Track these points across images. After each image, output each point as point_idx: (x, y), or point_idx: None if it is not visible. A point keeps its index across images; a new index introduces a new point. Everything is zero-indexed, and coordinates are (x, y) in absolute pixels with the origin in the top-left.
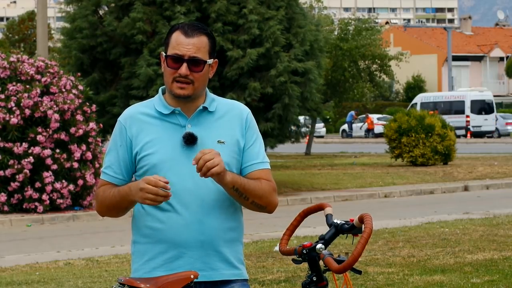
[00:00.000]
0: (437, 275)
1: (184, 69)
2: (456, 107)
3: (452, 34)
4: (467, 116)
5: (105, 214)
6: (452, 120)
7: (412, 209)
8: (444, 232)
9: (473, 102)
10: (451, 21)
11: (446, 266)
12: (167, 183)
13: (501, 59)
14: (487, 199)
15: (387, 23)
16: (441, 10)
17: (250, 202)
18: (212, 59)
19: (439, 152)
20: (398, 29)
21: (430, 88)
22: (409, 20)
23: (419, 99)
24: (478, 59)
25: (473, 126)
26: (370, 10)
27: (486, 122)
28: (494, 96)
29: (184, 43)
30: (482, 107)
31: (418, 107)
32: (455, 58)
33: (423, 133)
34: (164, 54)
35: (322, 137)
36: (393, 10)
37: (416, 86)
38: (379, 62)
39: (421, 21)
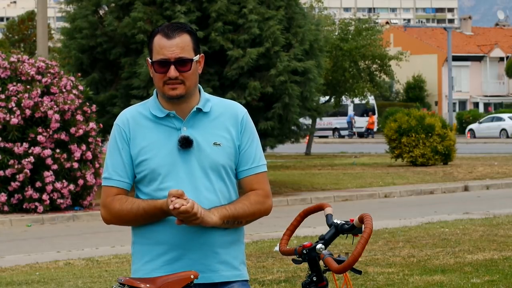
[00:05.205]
0: (437, 275)
1: (172, 71)
2: (341, 109)
3: (452, 34)
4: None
5: (116, 224)
6: (338, 121)
7: (412, 209)
8: (444, 232)
9: (356, 106)
10: (451, 21)
11: (446, 266)
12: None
13: (501, 59)
14: (487, 199)
15: (387, 23)
16: (441, 10)
17: (244, 222)
18: (199, 55)
19: (439, 152)
20: (398, 29)
21: (430, 88)
22: (409, 20)
23: None
24: (478, 59)
25: (356, 127)
26: (370, 10)
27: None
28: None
29: (167, 46)
30: (364, 110)
31: None
32: (455, 58)
33: (423, 133)
34: (150, 60)
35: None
36: (393, 10)
37: (416, 86)
38: (379, 62)
39: (421, 21)
